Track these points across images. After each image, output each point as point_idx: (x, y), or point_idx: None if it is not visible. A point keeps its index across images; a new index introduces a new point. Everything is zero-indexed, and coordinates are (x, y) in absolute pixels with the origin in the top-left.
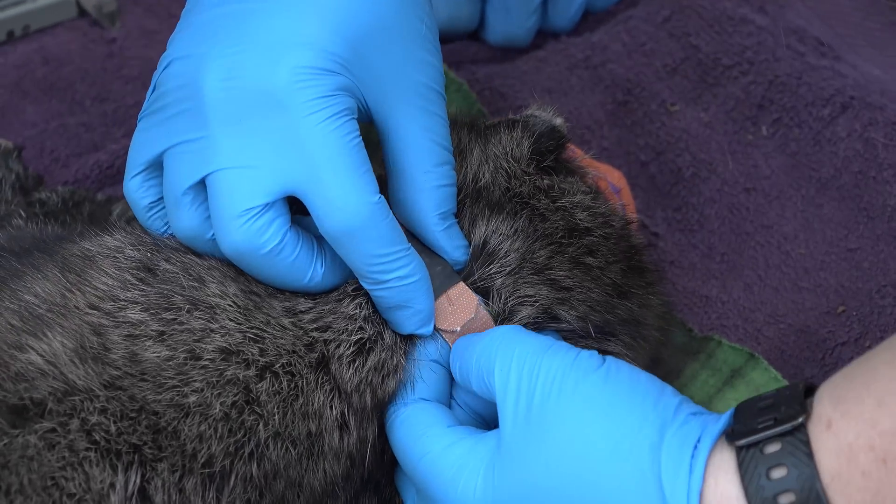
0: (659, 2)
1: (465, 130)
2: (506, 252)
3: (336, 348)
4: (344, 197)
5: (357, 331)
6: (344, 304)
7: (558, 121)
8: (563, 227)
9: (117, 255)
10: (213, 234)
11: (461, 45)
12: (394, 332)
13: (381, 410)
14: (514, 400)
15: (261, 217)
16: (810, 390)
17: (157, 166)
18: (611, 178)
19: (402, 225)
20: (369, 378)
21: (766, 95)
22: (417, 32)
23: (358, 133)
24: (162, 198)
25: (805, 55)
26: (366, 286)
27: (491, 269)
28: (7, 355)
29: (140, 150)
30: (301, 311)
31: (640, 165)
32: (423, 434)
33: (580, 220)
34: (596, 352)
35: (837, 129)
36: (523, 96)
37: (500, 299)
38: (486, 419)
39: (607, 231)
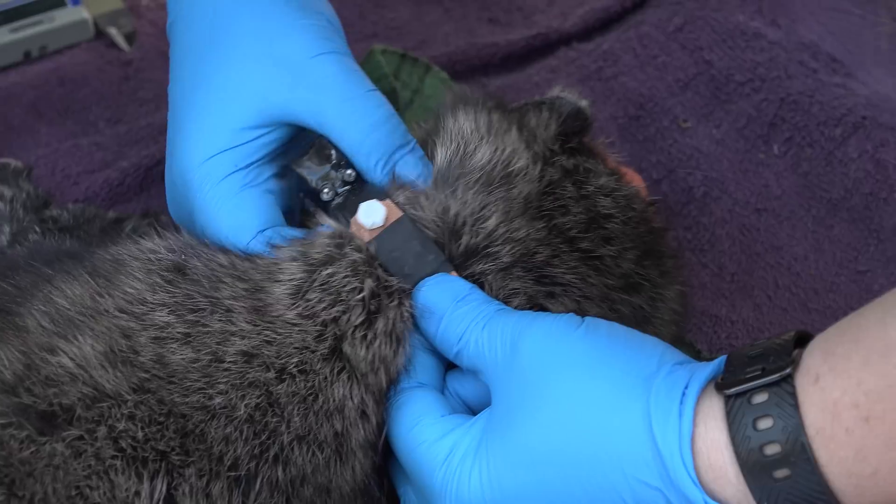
0: (670, 8)
1: (496, 111)
2: (499, 253)
3: (347, 322)
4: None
5: (358, 289)
6: (344, 259)
7: (584, 103)
8: (584, 219)
9: (150, 257)
10: None
11: (472, 48)
12: (389, 287)
13: (388, 393)
14: (503, 375)
15: None
16: (806, 339)
17: None
18: (627, 177)
19: (408, 221)
20: (381, 351)
21: (777, 114)
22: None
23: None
24: None
25: (817, 72)
26: None
27: (481, 265)
28: (38, 358)
29: None
30: (305, 291)
31: (651, 183)
32: (417, 423)
33: (602, 206)
34: (573, 314)
35: (849, 150)
36: None
37: (491, 292)
38: (475, 409)
39: (630, 215)
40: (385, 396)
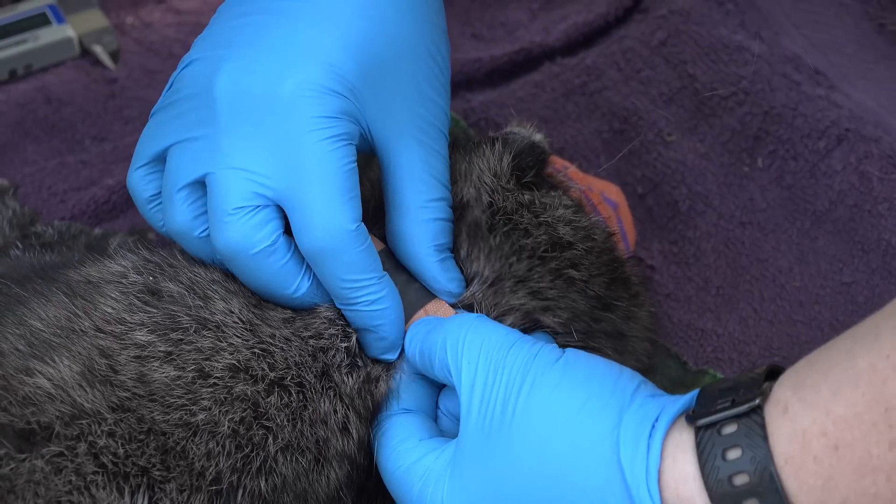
0: (654, 22)
1: (449, 149)
2: (481, 271)
3: (333, 357)
4: (322, 217)
5: (343, 338)
6: (323, 309)
7: (538, 136)
8: (546, 241)
9: (122, 280)
10: (203, 232)
11: (456, 64)
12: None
13: (375, 416)
14: (479, 401)
15: (255, 216)
16: (777, 373)
17: (161, 160)
18: (608, 193)
19: (390, 254)
20: (363, 385)
21: (761, 127)
22: (429, 69)
23: (353, 159)
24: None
25: (801, 84)
26: (337, 305)
27: (472, 289)
28: (15, 380)
29: (147, 143)
30: (294, 318)
31: (636, 198)
32: (396, 447)
33: (563, 234)
34: (555, 346)
35: (833, 162)
36: None
37: (482, 311)
38: None
39: (589, 245)
40: (370, 415)
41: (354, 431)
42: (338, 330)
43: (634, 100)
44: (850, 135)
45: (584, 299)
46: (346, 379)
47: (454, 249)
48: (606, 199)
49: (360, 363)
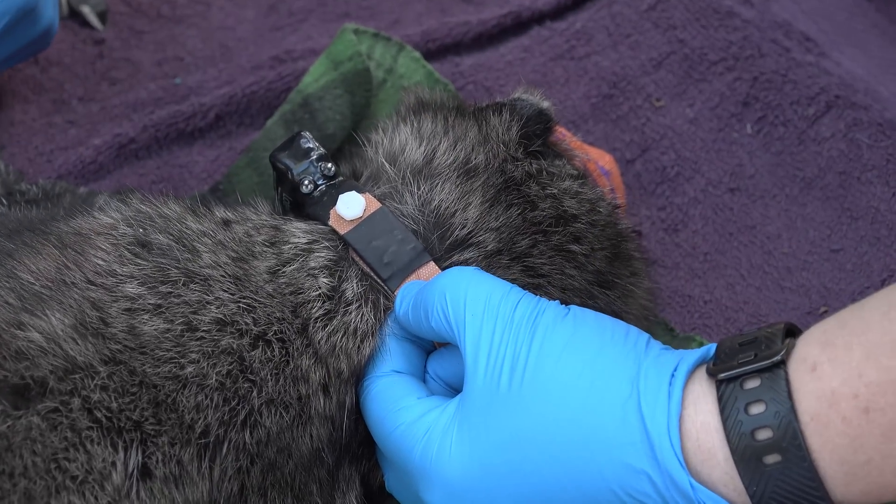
0: None
1: (454, 112)
2: (484, 242)
3: (311, 310)
4: None
5: (316, 289)
6: (311, 258)
7: (546, 104)
8: (552, 214)
9: (112, 232)
10: None
11: (444, 27)
12: (357, 285)
13: (358, 377)
14: (486, 355)
15: None
16: (792, 332)
17: None
18: (602, 161)
19: (386, 214)
20: (341, 342)
21: (750, 92)
22: None
23: None
24: None
25: (790, 50)
26: None
27: (466, 254)
28: (7, 334)
29: None
30: (278, 271)
31: (624, 163)
32: (393, 406)
33: (568, 206)
34: (559, 301)
35: (822, 129)
36: (507, 91)
37: None
38: (458, 390)
39: (594, 218)
40: (346, 379)
41: (334, 393)
42: (315, 282)
43: (623, 64)
44: (840, 101)
45: (583, 275)
46: (319, 335)
47: (463, 208)
48: (599, 166)
49: (332, 314)
